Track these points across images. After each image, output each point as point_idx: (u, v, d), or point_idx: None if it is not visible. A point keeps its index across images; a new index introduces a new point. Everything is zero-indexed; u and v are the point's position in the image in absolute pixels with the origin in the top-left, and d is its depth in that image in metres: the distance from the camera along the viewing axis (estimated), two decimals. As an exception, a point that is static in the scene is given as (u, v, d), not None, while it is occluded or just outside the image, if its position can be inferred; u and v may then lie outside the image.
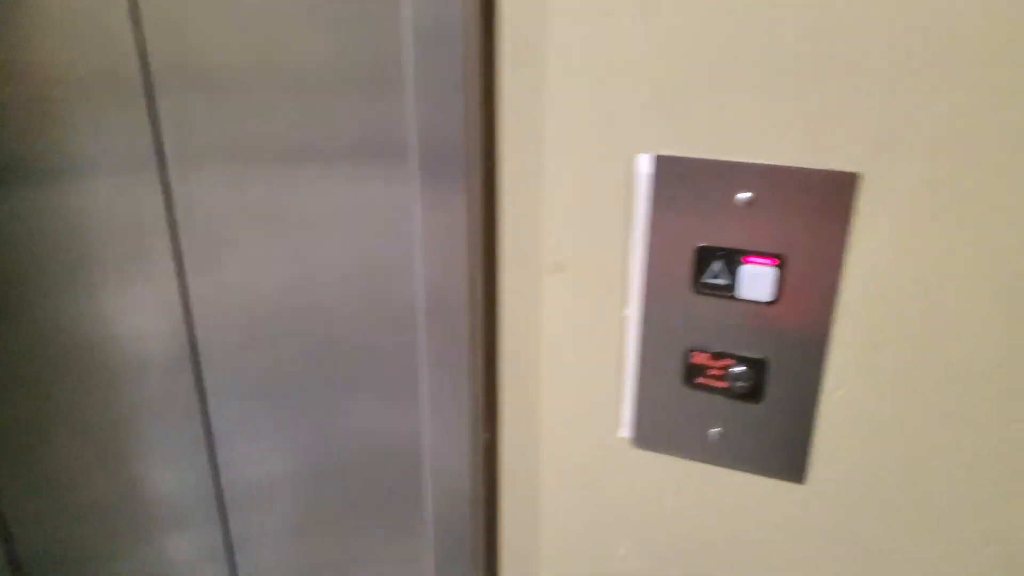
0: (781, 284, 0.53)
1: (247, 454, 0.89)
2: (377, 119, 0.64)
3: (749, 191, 0.51)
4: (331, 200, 0.70)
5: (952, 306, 0.48)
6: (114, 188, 0.79)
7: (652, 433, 0.61)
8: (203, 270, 0.80)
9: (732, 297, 0.54)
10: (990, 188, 0.45)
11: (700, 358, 0.57)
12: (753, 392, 0.56)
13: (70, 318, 0.87)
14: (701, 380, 0.58)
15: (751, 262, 0.53)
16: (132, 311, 0.86)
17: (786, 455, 0.57)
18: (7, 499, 0.98)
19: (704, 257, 0.54)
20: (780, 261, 0.52)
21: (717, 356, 0.57)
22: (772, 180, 0.51)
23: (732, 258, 0.53)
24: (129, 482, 0.97)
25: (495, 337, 0.64)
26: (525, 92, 0.55)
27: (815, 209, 0.50)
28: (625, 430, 0.62)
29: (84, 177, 0.79)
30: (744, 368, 0.56)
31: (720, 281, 0.54)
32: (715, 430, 0.59)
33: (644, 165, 0.54)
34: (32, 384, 0.91)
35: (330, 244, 0.73)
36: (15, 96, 0.76)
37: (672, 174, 0.53)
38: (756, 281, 0.53)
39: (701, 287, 0.55)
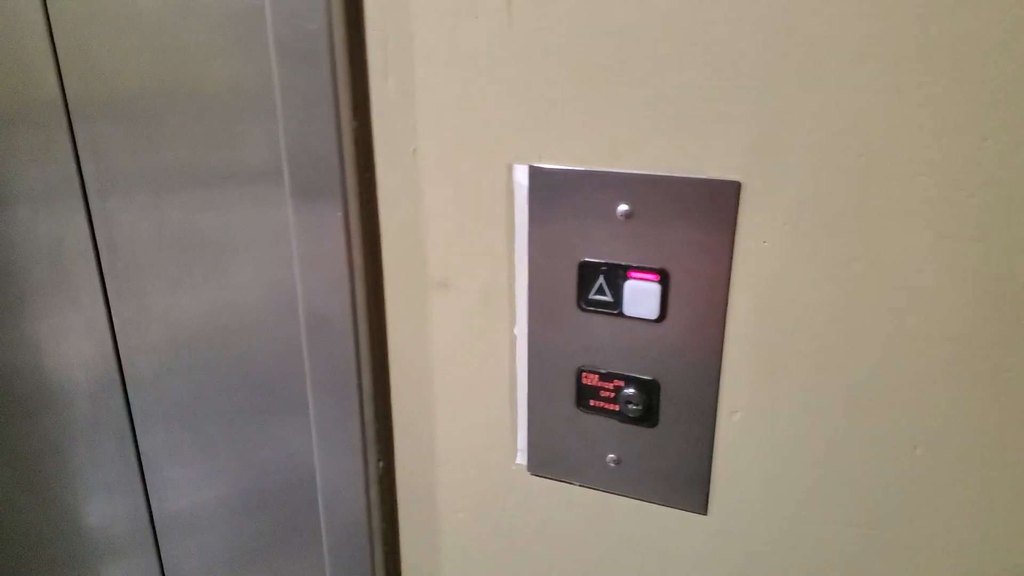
0: (666, 300, 0.49)
1: (175, 481, 0.87)
2: (263, 140, 0.63)
3: (628, 203, 0.48)
4: (235, 223, 0.69)
5: (845, 322, 0.45)
6: (37, 216, 0.78)
7: (548, 459, 0.58)
8: (126, 295, 0.79)
9: (619, 314, 0.51)
10: (872, 196, 0.42)
11: (591, 379, 0.54)
12: (647, 416, 0.53)
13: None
14: (593, 403, 0.54)
15: (635, 277, 0.50)
16: (59, 337, 0.84)
17: (685, 484, 0.54)
18: None
19: (587, 273, 0.51)
20: (664, 276, 0.49)
21: (607, 377, 0.53)
22: (650, 191, 0.47)
23: (616, 273, 0.50)
24: (60, 511, 0.94)
25: (385, 360, 0.61)
26: (396, 103, 0.52)
27: (697, 221, 0.47)
28: (521, 456, 0.59)
29: (7, 205, 0.78)
30: (635, 390, 0.52)
31: (605, 298, 0.51)
32: (611, 456, 0.55)
33: (521, 176, 0.50)
34: None
35: (237, 268, 0.71)
36: None
37: (549, 186, 0.50)
38: (641, 297, 0.50)
39: (587, 304, 0.52)
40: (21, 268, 0.82)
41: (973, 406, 0.43)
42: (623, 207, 0.48)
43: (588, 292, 0.51)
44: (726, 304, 0.48)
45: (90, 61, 0.70)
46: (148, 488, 0.90)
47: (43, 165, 0.76)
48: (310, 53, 0.51)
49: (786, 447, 0.49)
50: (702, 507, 0.54)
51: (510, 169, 0.51)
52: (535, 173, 0.50)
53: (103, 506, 0.94)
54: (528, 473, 0.59)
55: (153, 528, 0.93)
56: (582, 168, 0.49)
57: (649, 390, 0.52)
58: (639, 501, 0.55)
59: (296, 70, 0.52)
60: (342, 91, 0.52)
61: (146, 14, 0.65)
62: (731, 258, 0.47)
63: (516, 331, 0.55)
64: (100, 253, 0.79)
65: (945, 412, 0.44)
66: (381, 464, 0.64)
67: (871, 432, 0.46)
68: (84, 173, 0.76)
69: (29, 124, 0.75)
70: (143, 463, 0.89)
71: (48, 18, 0.70)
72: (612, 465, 0.55)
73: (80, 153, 0.75)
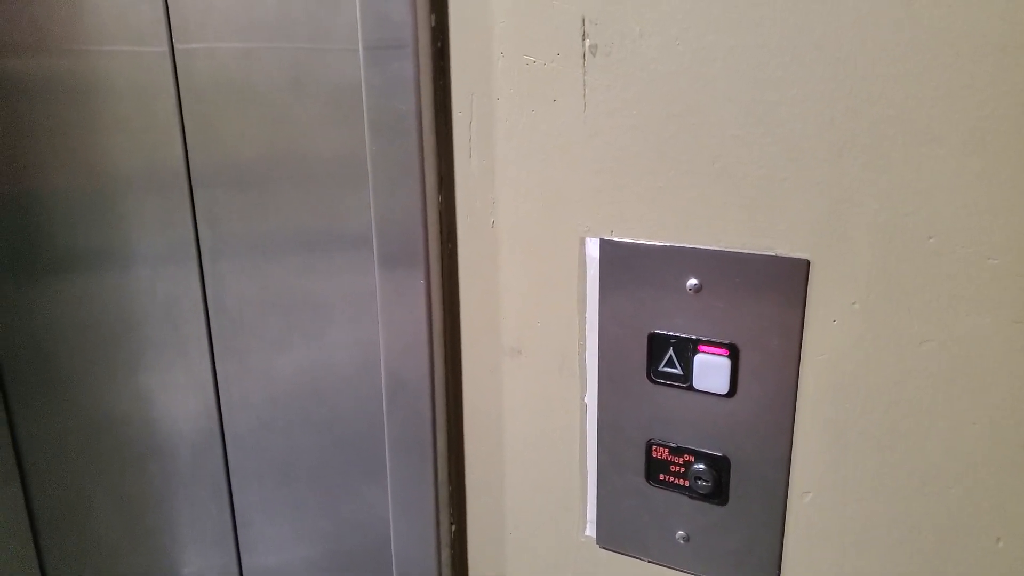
0: (736, 375, 0.49)
1: (266, 537, 0.90)
2: (361, 210, 0.67)
3: (697, 277, 0.49)
4: (332, 287, 0.73)
5: (916, 404, 0.44)
6: (156, 275, 0.84)
7: (617, 533, 0.57)
8: (230, 353, 0.83)
9: (689, 388, 0.51)
10: (942, 278, 0.41)
11: (661, 452, 0.54)
12: (717, 492, 0.52)
13: (110, 397, 0.91)
14: (663, 477, 0.54)
15: (705, 351, 0.50)
16: (167, 391, 0.89)
17: (756, 565, 0.52)
18: (51, 569, 1.00)
19: (657, 345, 0.52)
20: (734, 351, 0.49)
21: (677, 451, 0.53)
22: (719, 266, 0.48)
23: (685, 346, 0.51)
24: (157, 559, 0.98)
25: (460, 423, 0.62)
26: (477, 179, 0.55)
27: (766, 297, 0.47)
28: (591, 528, 0.59)
29: (130, 265, 0.84)
30: (704, 466, 0.52)
31: (675, 370, 0.52)
32: (680, 532, 0.55)
33: (592, 249, 0.52)
34: (75, 459, 0.95)
35: (333, 330, 0.75)
36: (74, 190, 0.83)
37: (620, 258, 0.51)
38: (710, 371, 0.50)
39: (657, 376, 0.52)
40: (138, 324, 0.87)
41: (1059, 499, 0.41)
42: (692, 281, 0.49)
43: (658, 364, 0.52)
44: (796, 382, 0.48)
45: (212, 131, 0.76)
46: (240, 543, 0.93)
47: (164, 228, 0.82)
48: (400, 131, 0.55)
49: (858, 531, 0.48)
50: (773, 591, 0.52)
51: (582, 242, 0.52)
52: (606, 246, 0.52)
53: (197, 558, 0.97)
54: (597, 546, 0.59)
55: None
56: (652, 242, 0.50)
57: (719, 467, 0.52)
58: (708, 581, 0.54)
59: (387, 146, 0.56)
60: (428, 167, 0.56)
61: (262, 88, 0.71)
62: (801, 335, 0.47)
63: (586, 400, 0.56)
64: (210, 312, 0.84)
65: (1028, 504, 0.42)
66: (453, 527, 0.65)
67: (948, 520, 0.44)
68: (200, 237, 0.81)
69: (155, 190, 0.81)
70: (236, 518, 0.92)
71: (178, 90, 0.77)
72: (682, 542, 0.55)
73: (198, 218, 0.81)
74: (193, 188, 0.79)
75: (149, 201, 0.81)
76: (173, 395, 0.89)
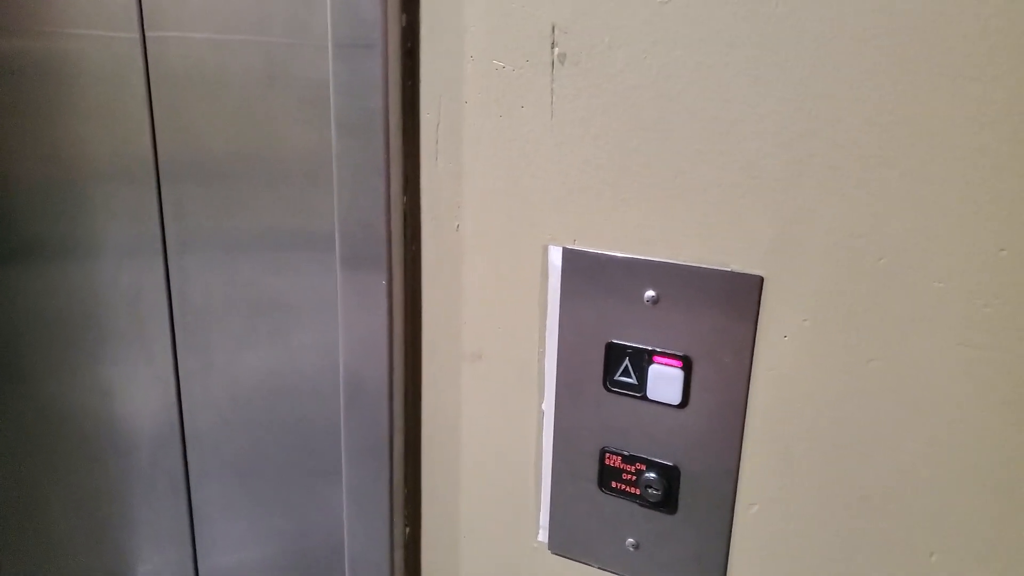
0: (689, 387, 0.50)
1: (223, 535, 0.89)
2: (329, 209, 0.66)
3: (654, 289, 0.50)
4: (299, 286, 0.73)
5: (860, 421, 0.45)
6: (120, 267, 0.83)
7: (568, 539, 0.58)
8: (193, 348, 0.82)
9: (643, 398, 0.52)
10: (891, 299, 0.42)
11: (614, 460, 0.54)
12: (666, 501, 0.53)
13: (70, 391, 0.90)
14: (615, 484, 0.55)
15: (659, 362, 0.51)
16: (128, 384, 0.88)
17: (703, 573, 0.53)
18: (5, 566, 0.98)
19: (614, 354, 0.52)
20: (687, 363, 0.50)
21: (629, 460, 0.54)
22: (676, 279, 0.49)
23: (641, 357, 0.51)
24: (113, 555, 0.96)
25: (418, 426, 0.63)
26: (443, 182, 0.55)
27: (720, 311, 0.48)
28: (543, 534, 0.59)
29: (94, 255, 0.83)
30: (655, 475, 0.53)
31: (630, 380, 0.52)
32: (630, 540, 0.55)
33: (555, 257, 0.53)
34: (31, 454, 0.93)
35: (298, 330, 0.75)
36: (43, 180, 0.81)
37: (581, 268, 0.52)
38: (664, 382, 0.51)
39: (612, 385, 0.53)
40: (101, 317, 0.86)
41: (991, 516, 0.42)
42: (650, 293, 0.50)
43: (614, 373, 0.53)
44: (746, 395, 0.48)
45: (182, 123, 0.74)
46: (196, 541, 0.92)
47: (130, 220, 0.81)
48: (367, 130, 0.55)
49: (801, 544, 0.48)
50: (719, 601, 0.53)
51: (545, 250, 0.53)
52: (568, 255, 0.52)
53: (153, 554, 0.96)
54: (549, 552, 0.59)
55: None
56: (613, 253, 0.51)
57: (669, 476, 0.52)
58: (656, 589, 0.55)
59: (353, 145, 0.56)
60: (394, 167, 0.56)
61: (235, 81, 0.70)
62: (752, 350, 0.47)
63: (544, 407, 0.56)
64: (174, 308, 0.83)
65: (962, 520, 0.43)
66: (408, 529, 0.65)
67: (886, 535, 0.45)
68: (166, 230, 0.80)
69: (122, 181, 0.79)
70: (194, 516, 0.91)
71: (148, 79, 0.75)
72: (631, 549, 0.55)
73: (165, 211, 0.79)
74: (161, 180, 0.78)
75: (115, 192, 0.80)
76: (134, 390, 0.88)
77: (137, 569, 0.97)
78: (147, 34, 0.73)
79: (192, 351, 0.83)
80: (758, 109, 0.43)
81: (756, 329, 0.47)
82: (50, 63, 0.76)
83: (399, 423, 0.62)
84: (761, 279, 0.46)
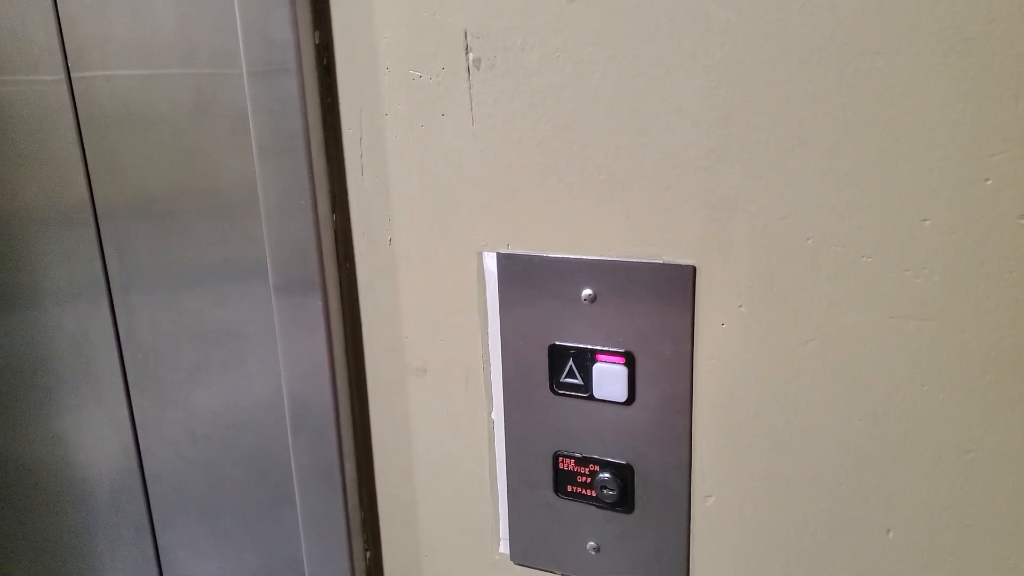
0: (634, 383, 0.50)
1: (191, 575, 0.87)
2: (252, 239, 0.65)
3: (591, 287, 0.49)
4: (246, 316, 0.71)
5: (803, 403, 0.44)
6: (64, 312, 0.81)
7: (530, 548, 0.57)
8: (146, 387, 0.80)
9: (590, 397, 0.51)
10: (821, 277, 0.42)
11: (567, 463, 0.54)
12: (622, 501, 0.52)
13: (22, 441, 0.87)
14: (571, 488, 0.54)
15: (602, 360, 0.50)
16: (82, 430, 0.85)
17: (664, 571, 0.52)
18: None
19: (557, 356, 0.52)
20: (630, 359, 0.49)
21: (583, 461, 0.53)
22: (611, 275, 0.48)
23: (584, 356, 0.51)
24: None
25: (369, 447, 0.61)
26: (371, 196, 0.54)
27: (658, 304, 0.47)
28: (504, 545, 0.58)
29: (37, 302, 0.81)
30: (609, 475, 0.52)
31: (576, 381, 0.51)
32: (591, 543, 0.54)
33: (490, 263, 0.52)
34: None
35: (251, 359, 0.73)
36: None
37: (517, 272, 0.51)
38: (609, 380, 0.50)
39: (559, 387, 0.52)
40: (48, 362, 0.84)
41: (940, 488, 0.42)
42: (587, 291, 0.49)
43: (560, 375, 0.52)
44: (691, 386, 0.48)
45: (116, 162, 0.73)
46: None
47: (71, 263, 0.79)
48: (289, 151, 0.54)
49: (758, 531, 0.48)
50: (684, 596, 0.52)
51: (480, 256, 0.52)
52: (503, 260, 0.51)
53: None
54: (511, 562, 0.58)
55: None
56: (547, 254, 0.50)
57: (623, 474, 0.52)
58: (621, 590, 0.54)
59: (276, 167, 0.55)
60: (320, 186, 0.54)
61: (165, 115, 0.69)
62: (692, 340, 0.47)
63: (493, 415, 0.55)
64: (123, 347, 0.81)
65: (913, 494, 0.43)
66: (368, 553, 0.63)
67: (841, 515, 0.45)
68: (109, 270, 0.78)
69: (59, 224, 0.77)
70: (160, 557, 0.89)
71: (78, 119, 0.74)
72: (593, 553, 0.55)
73: (105, 250, 0.78)
74: (99, 220, 0.76)
75: (54, 235, 0.78)
76: (89, 435, 0.86)
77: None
78: (73, 75, 0.72)
79: (145, 390, 0.81)
80: (673, 99, 0.43)
81: (694, 319, 0.47)
82: None
83: (349, 446, 0.60)
84: (694, 268, 0.46)
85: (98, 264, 0.78)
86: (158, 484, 0.84)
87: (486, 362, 0.54)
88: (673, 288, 0.47)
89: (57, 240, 0.78)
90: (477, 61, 0.48)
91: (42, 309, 0.81)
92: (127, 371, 0.81)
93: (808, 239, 0.42)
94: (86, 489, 0.88)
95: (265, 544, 0.79)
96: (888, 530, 0.44)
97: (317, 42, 0.53)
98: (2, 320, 0.82)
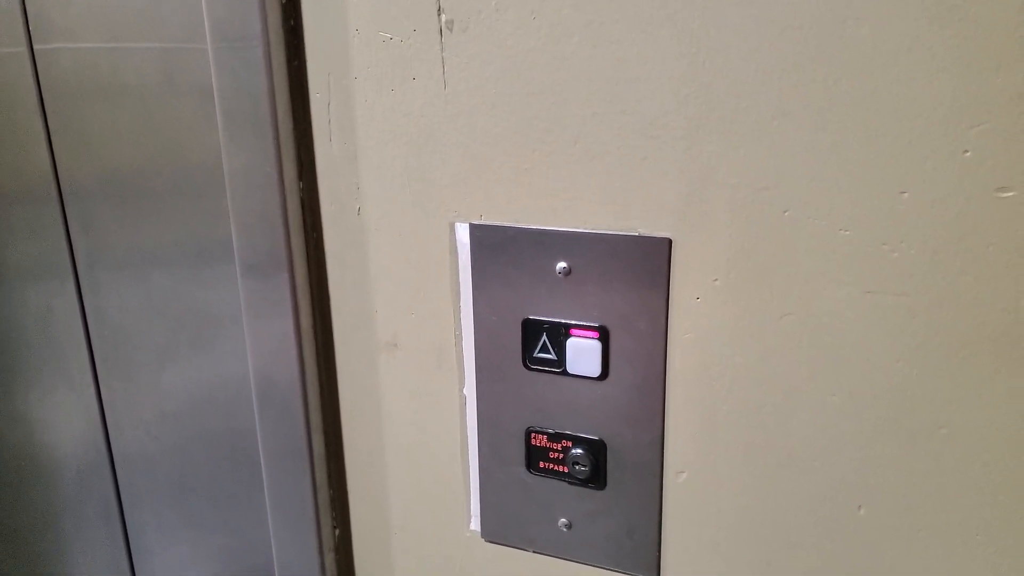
0: (608, 358, 0.49)
1: (162, 559, 0.85)
2: (220, 216, 0.64)
3: (566, 260, 0.48)
4: (217, 294, 0.69)
5: (779, 379, 0.44)
6: (28, 289, 0.79)
7: (501, 525, 0.56)
8: (114, 366, 0.78)
9: (563, 373, 0.50)
10: (799, 251, 0.41)
11: (539, 439, 0.53)
12: (595, 477, 0.52)
13: None
14: (543, 464, 0.53)
15: (576, 335, 0.49)
16: (47, 410, 0.83)
17: (636, 547, 0.52)
18: None
19: (531, 331, 0.51)
20: (604, 333, 0.48)
21: (554, 438, 0.52)
22: (586, 248, 0.47)
23: (558, 331, 0.50)
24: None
25: (338, 424, 0.60)
26: (340, 164, 0.53)
27: (632, 277, 0.46)
28: (475, 522, 0.57)
29: (1, 280, 0.78)
30: (582, 451, 0.51)
31: (549, 356, 0.50)
32: (563, 520, 0.54)
33: (462, 234, 0.51)
34: None
35: (221, 339, 0.71)
36: None
37: (490, 244, 0.50)
38: (582, 355, 0.49)
39: (532, 362, 0.51)
40: (11, 341, 0.81)
41: (912, 464, 0.42)
42: (561, 264, 0.48)
43: (533, 350, 0.51)
44: (665, 361, 0.47)
45: (81, 136, 0.71)
46: (135, 566, 0.88)
47: (34, 240, 0.77)
48: (254, 116, 0.52)
49: (732, 508, 0.48)
50: (653, 572, 0.52)
51: (452, 227, 0.51)
52: (475, 231, 0.50)
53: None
54: (483, 540, 0.57)
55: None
56: (521, 225, 0.49)
57: (595, 450, 0.51)
58: (592, 567, 0.54)
59: (241, 133, 0.53)
60: (286, 153, 0.53)
61: (133, 89, 0.66)
62: (667, 315, 0.46)
63: (465, 391, 0.54)
64: (89, 327, 0.79)
65: (885, 471, 0.42)
66: (337, 531, 0.62)
67: (813, 492, 0.45)
68: (74, 247, 0.76)
69: (21, 200, 0.75)
70: (130, 540, 0.87)
71: (40, 93, 0.71)
72: (564, 530, 0.54)
73: (71, 227, 0.75)
74: (64, 196, 0.74)
75: (17, 211, 0.75)
76: (55, 415, 0.84)
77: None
78: (35, 47, 0.69)
79: (113, 370, 0.79)
80: (653, 66, 0.42)
81: (668, 293, 0.46)
82: None
83: (317, 423, 0.59)
84: (669, 241, 0.45)
85: (63, 241, 0.75)
86: (127, 465, 0.83)
87: (458, 336, 0.53)
88: (648, 261, 0.46)
89: (21, 216, 0.76)
90: (450, 23, 0.46)
91: (6, 287, 0.79)
92: (94, 350, 0.79)
93: (786, 211, 0.41)
94: (53, 470, 0.86)
95: (235, 525, 0.78)
96: (860, 506, 0.44)
97: (283, 1, 0.51)
98: None
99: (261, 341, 0.57)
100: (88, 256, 0.75)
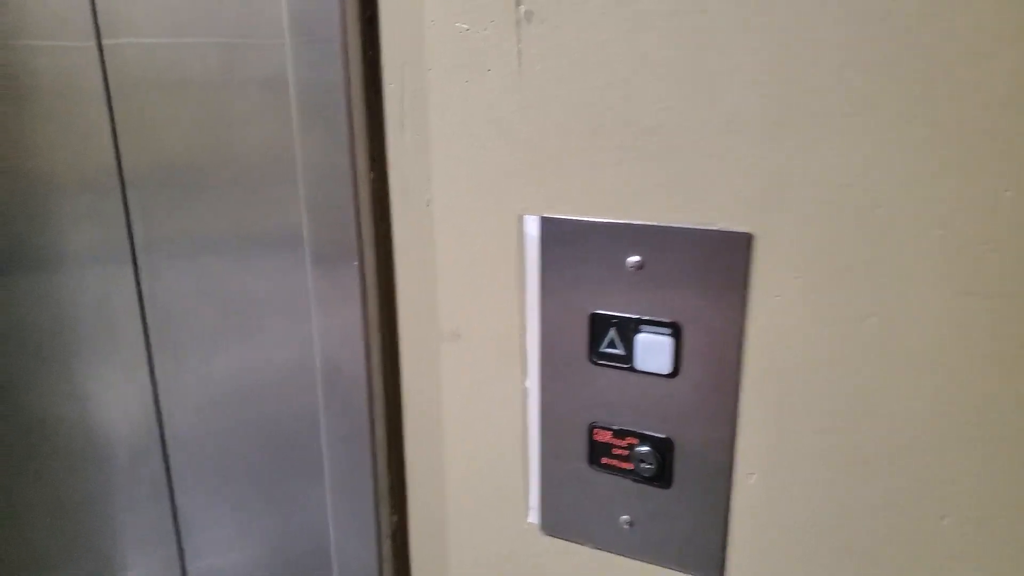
0: (680, 355, 0.48)
1: (210, 539, 0.87)
2: (295, 202, 0.64)
3: (638, 255, 0.47)
4: (271, 282, 0.70)
5: (859, 381, 0.43)
6: (88, 274, 0.81)
7: (560, 519, 0.56)
8: (168, 351, 0.80)
9: (631, 369, 0.50)
10: (887, 249, 0.40)
11: (603, 436, 0.52)
12: (660, 475, 0.51)
13: (46, 400, 0.87)
14: (606, 460, 0.53)
15: (646, 331, 0.48)
16: (103, 391, 0.85)
17: (701, 548, 0.51)
18: None
19: (598, 325, 0.50)
20: (676, 330, 0.48)
21: (619, 434, 0.51)
22: (660, 242, 0.46)
23: (627, 326, 0.49)
24: (99, 563, 0.94)
25: (399, 413, 0.60)
26: (411, 154, 0.53)
27: (708, 273, 0.46)
28: (534, 515, 0.57)
29: (61, 263, 0.80)
30: (648, 448, 0.51)
31: (617, 351, 0.50)
32: (624, 517, 0.53)
33: (531, 227, 0.50)
34: (9, 463, 0.91)
35: (274, 326, 0.72)
36: (6, 193, 0.78)
37: (560, 236, 0.49)
38: (653, 351, 0.48)
39: (598, 357, 0.51)
40: (71, 323, 0.84)
41: (1001, 474, 0.40)
42: (633, 259, 0.47)
43: (599, 345, 0.50)
44: (740, 360, 0.46)
45: (144, 128, 0.73)
46: (183, 544, 0.90)
47: (96, 227, 0.78)
48: (328, 105, 0.52)
49: (804, 513, 0.47)
50: (717, 573, 0.51)
51: (521, 220, 0.50)
52: (546, 224, 0.50)
53: (139, 560, 0.94)
54: (541, 533, 0.57)
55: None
56: (592, 219, 0.48)
57: (662, 448, 0.50)
58: (654, 566, 0.53)
59: (317, 123, 0.53)
60: (359, 143, 0.53)
61: (196, 82, 0.67)
62: (744, 312, 0.45)
63: (527, 384, 0.54)
64: (146, 312, 0.81)
65: (973, 480, 0.41)
66: (395, 518, 0.63)
67: (892, 500, 0.43)
68: (134, 235, 0.78)
69: (85, 189, 0.77)
70: (179, 519, 0.89)
71: (107, 86, 0.73)
72: (626, 527, 0.53)
73: (131, 215, 0.77)
74: (125, 185, 0.76)
75: (81, 200, 0.77)
76: (110, 396, 0.86)
77: (124, 575, 0.95)
78: (104, 42, 0.71)
79: (168, 354, 0.81)
80: (736, 59, 0.41)
81: (747, 290, 0.45)
82: (6, 76, 0.74)
83: (380, 410, 0.59)
84: (750, 236, 0.44)
85: (123, 229, 0.77)
86: (178, 447, 0.84)
87: (522, 329, 0.53)
88: (727, 257, 0.45)
89: (84, 204, 0.78)
90: (529, 14, 0.46)
91: (67, 271, 0.81)
92: (149, 334, 0.81)
93: (875, 208, 0.40)
94: (106, 450, 0.88)
95: (283, 510, 0.79)
96: (943, 517, 0.42)
97: (360, -9, 0.51)
98: (28, 281, 0.81)
99: (329, 328, 0.58)
100: (147, 243, 0.76)
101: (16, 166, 0.77)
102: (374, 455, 0.60)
